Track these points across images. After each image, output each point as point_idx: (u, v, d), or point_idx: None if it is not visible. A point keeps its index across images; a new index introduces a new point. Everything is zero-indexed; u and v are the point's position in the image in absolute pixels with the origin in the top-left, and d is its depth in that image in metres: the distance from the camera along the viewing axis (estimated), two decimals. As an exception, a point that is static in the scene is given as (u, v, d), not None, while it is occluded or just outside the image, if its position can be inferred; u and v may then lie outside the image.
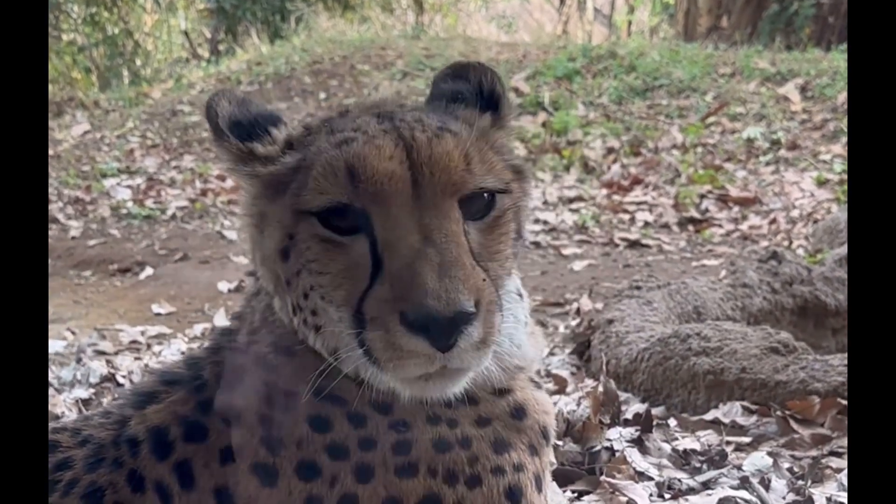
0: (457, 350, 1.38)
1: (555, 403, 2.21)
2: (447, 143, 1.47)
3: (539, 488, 1.56)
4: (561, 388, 4.21)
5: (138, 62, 18.94)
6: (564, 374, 4.49)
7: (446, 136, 1.49)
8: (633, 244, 8.26)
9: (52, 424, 1.62)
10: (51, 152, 11.98)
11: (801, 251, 7.25)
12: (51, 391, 4.29)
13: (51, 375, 4.71)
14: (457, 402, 1.50)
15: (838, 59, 12.32)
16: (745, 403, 3.78)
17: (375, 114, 1.55)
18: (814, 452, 3.31)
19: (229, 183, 10.94)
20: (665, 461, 3.17)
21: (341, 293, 1.43)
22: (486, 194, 1.50)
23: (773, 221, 8.57)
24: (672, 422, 3.71)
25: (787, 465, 3.14)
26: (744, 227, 8.61)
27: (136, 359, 5.35)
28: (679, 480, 3.00)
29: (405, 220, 1.41)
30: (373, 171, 1.42)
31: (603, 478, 2.93)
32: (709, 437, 3.50)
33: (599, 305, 5.44)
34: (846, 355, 3.80)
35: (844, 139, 9.83)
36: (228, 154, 1.55)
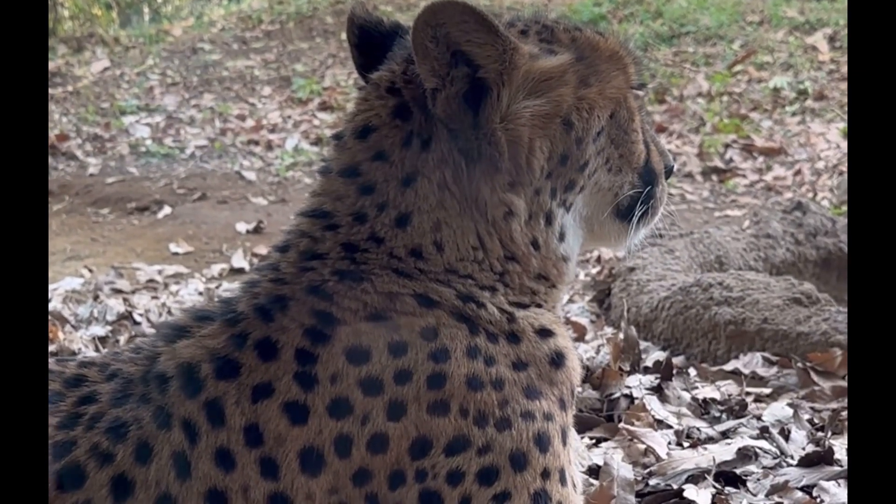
0: None
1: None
2: None
3: (564, 442, 1.53)
4: (580, 335, 4.18)
5: (159, -1, 18.81)
6: (584, 321, 4.47)
7: None
8: (656, 193, 8.18)
9: (79, 359, 1.60)
10: (70, 88, 11.95)
11: (825, 203, 7.18)
12: (67, 328, 4.29)
13: (67, 312, 4.72)
14: (500, 338, 1.52)
15: (869, 9, 12.10)
16: (766, 354, 3.74)
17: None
18: (834, 405, 3.26)
19: (249, 123, 10.88)
20: (684, 410, 3.14)
21: (643, 157, 1.70)
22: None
23: (798, 172, 8.47)
24: (692, 371, 3.67)
25: (806, 416, 3.10)
26: (768, 177, 8.52)
27: (154, 298, 5.36)
28: (698, 429, 2.97)
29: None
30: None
31: (621, 425, 2.90)
32: (729, 387, 3.46)
33: (621, 253, 5.39)
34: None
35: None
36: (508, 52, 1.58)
